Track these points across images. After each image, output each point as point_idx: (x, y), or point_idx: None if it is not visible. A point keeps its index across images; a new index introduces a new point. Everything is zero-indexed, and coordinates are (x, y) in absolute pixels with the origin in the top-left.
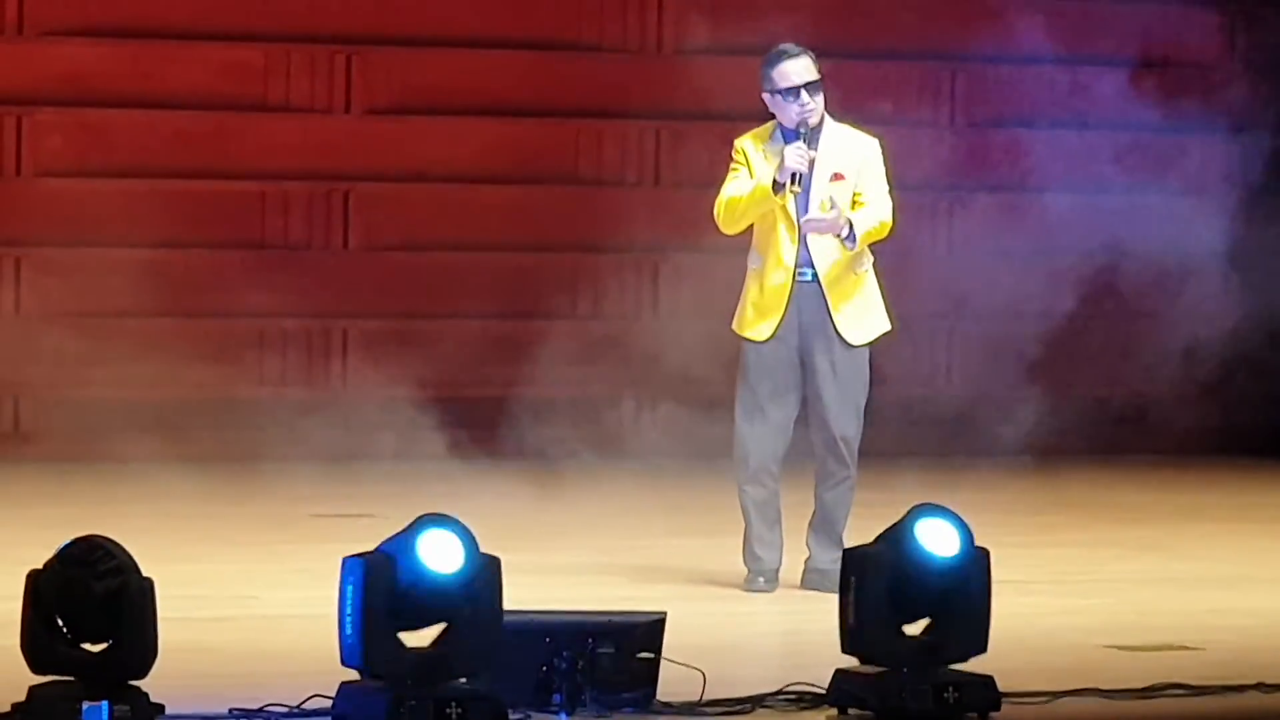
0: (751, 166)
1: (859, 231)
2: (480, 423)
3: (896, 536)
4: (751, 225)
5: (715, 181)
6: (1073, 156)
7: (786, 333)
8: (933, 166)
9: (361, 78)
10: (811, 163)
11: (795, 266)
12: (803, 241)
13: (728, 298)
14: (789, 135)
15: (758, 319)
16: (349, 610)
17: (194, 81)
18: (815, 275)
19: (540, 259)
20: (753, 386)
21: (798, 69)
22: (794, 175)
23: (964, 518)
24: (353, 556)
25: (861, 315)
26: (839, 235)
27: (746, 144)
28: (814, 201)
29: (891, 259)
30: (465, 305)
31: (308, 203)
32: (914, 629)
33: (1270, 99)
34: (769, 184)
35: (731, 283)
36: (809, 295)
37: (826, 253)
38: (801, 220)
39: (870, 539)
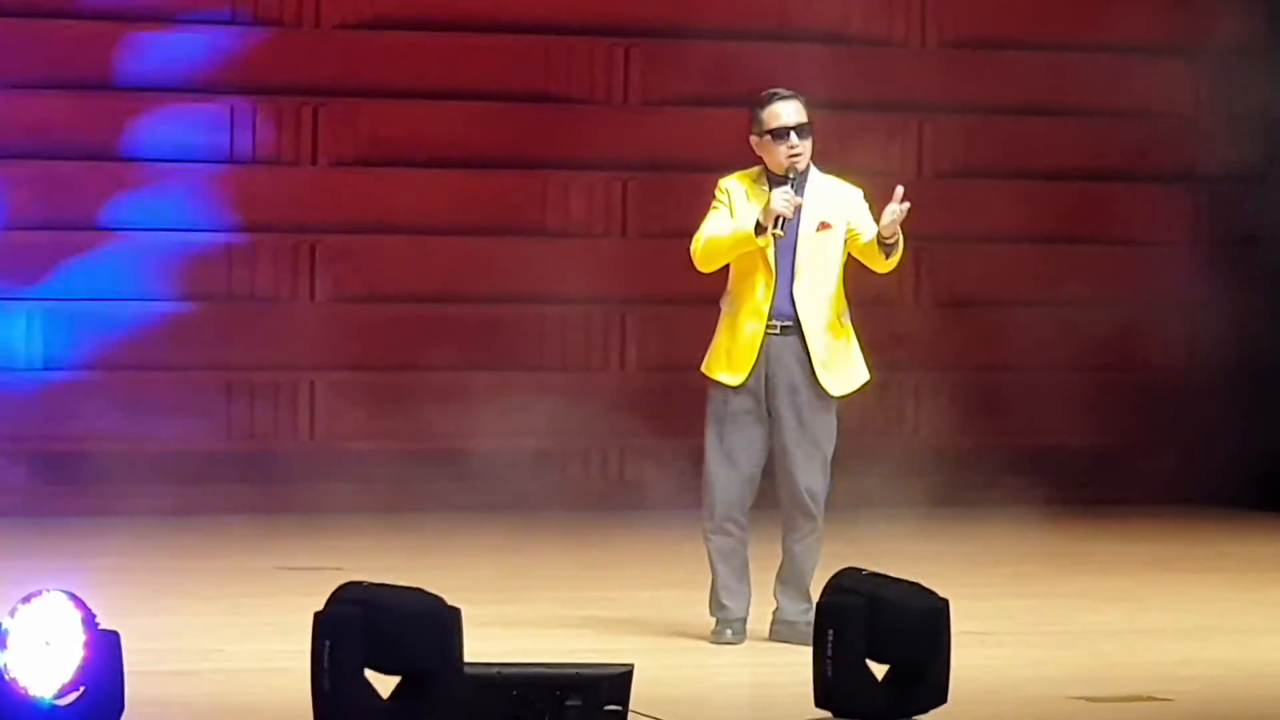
0: (733, 207)
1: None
2: (447, 474)
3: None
4: (729, 268)
5: (684, 232)
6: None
7: (755, 381)
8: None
9: (328, 129)
10: (797, 209)
11: (769, 316)
12: (779, 291)
13: (694, 349)
14: (775, 180)
15: (728, 364)
16: (326, 665)
17: (160, 134)
18: (789, 326)
19: (507, 310)
20: (721, 433)
21: (788, 110)
22: (777, 219)
23: (931, 568)
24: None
25: (842, 367)
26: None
27: (731, 184)
28: (800, 250)
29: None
30: (433, 357)
31: (274, 254)
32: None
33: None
34: (751, 226)
35: (698, 334)
36: (782, 346)
37: (815, 303)
38: (889, 219)
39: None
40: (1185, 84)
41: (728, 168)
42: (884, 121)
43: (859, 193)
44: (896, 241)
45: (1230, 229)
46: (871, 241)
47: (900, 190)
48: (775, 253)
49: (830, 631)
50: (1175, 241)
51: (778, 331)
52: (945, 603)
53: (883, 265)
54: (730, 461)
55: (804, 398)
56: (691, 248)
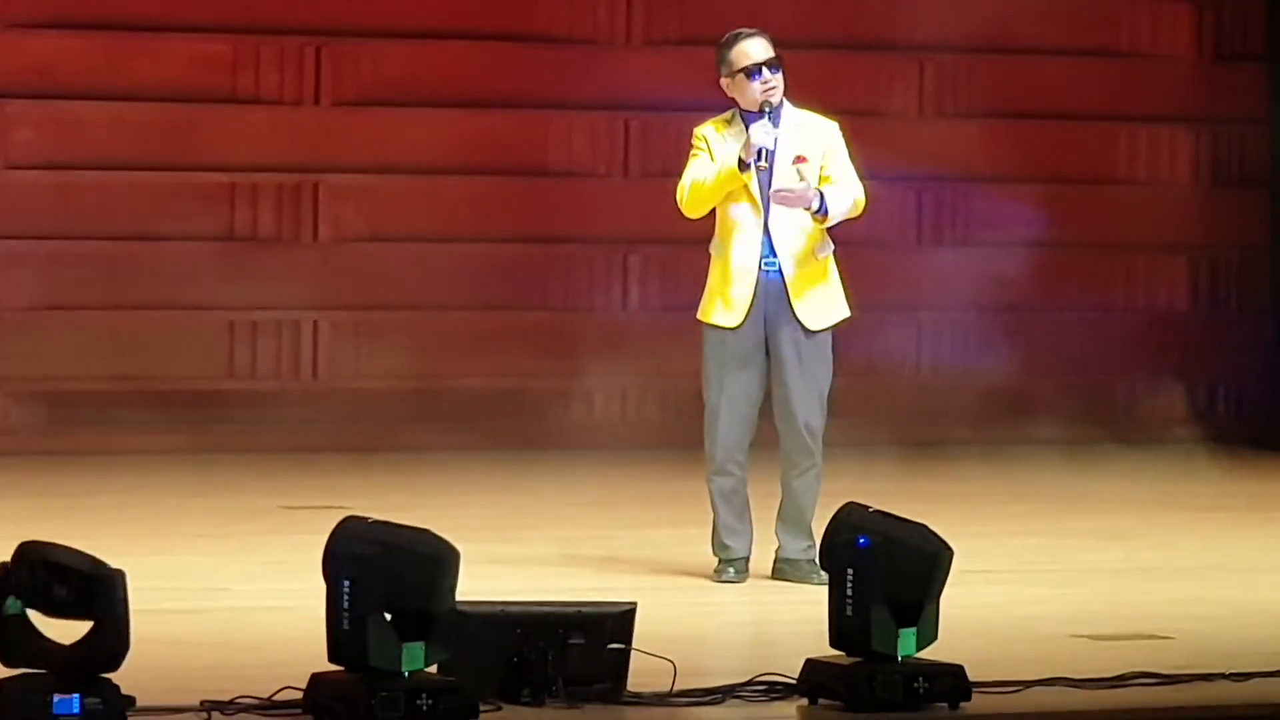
0: (713, 151)
1: (832, 206)
2: (450, 414)
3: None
4: (715, 213)
5: (682, 172)
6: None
7: (752, 321)
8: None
9: (331, 69)
10: (775, 142)
11: (761, 255)
12: (766, 231)
13: (696, 289)
14: (751, 118)
15: (724, 307)
16: (345, 605)
17: (163, 74)
18: (779, 266)
19: (510, 250)
20: (719, 375)
21: (756, 48)
22: (760, 151)
23: (933, 507)
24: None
25: (821, 302)
26: (809, 209)
27: (707, 130)
28: (779, 181)
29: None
30: (435, 297)
31: (277, 195)
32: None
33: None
34: (734, 161)
35: (700, 274)
36: (773, 285)
37: (789, 241)
38: (771, 191)
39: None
40: (1188, 25)
41: (727, 107)
42: (884, 61)
43: (834, 125)
44: (820, 206)
45: (1235, 171)
46: None
47: (800, 167)
48: (760, 189)
49: (849, 571)
50: (1179, 182)
51: (773, 270)
52: (948, 549)
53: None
54: (730, 403)
55: (798, 333)
56: (678, 196)
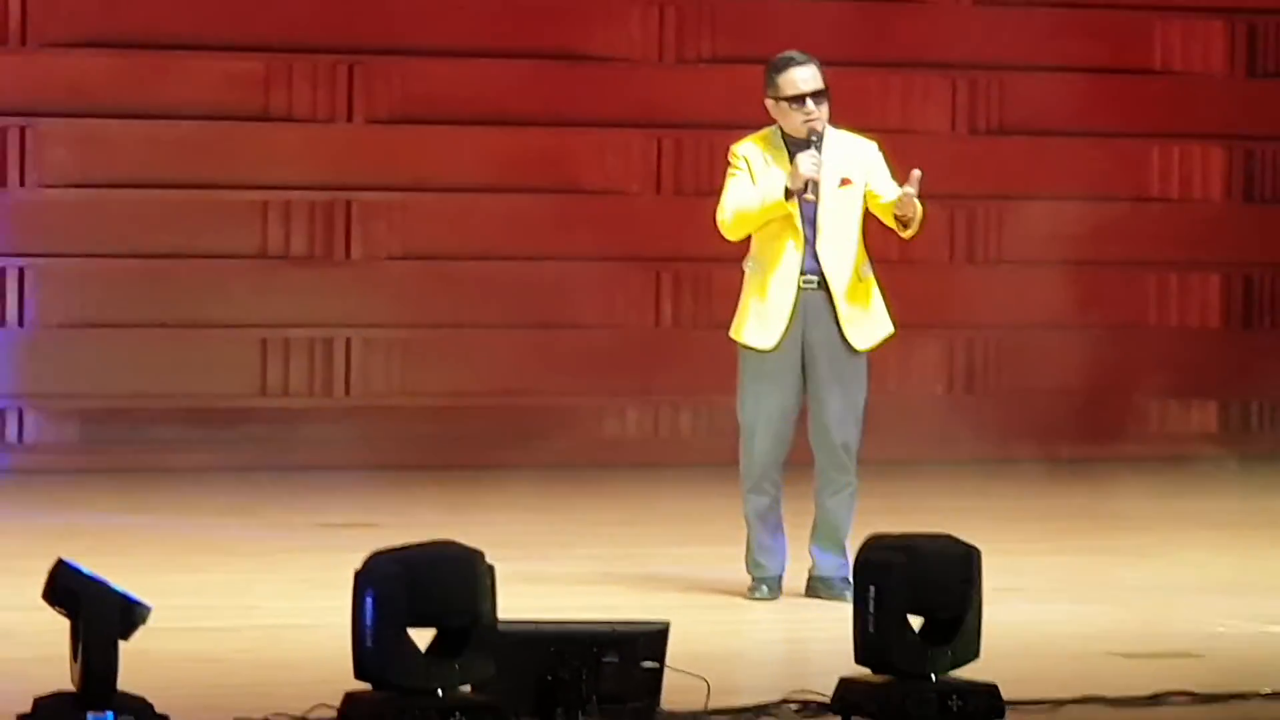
0: (753, 172)
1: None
2: (483, 431)
3: (911, 546)
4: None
5: (716, 190)
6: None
7: (790, 341)
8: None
9: (363, 87)
10: (820, 169)
11: (801, 274)
12: (809, 249)
13: (728, 306)
14: (792, 142)
15: (760, 326)
16: (369, 621)
17: (196, 92)
18: (820, 282)
19: (542, 268)
20: (754, 394)
21: (805, 77)
22: (807, 183)
23: (965, 524)
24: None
25: (867, 321)
26: (907, 216)
27: (747, 149)
28: (822, 207)
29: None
30: (468, 315)
31: (309, 212)
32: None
33: None
34: (780, 192)
35: (732, 291)
36: (814, 302)
37: (838, 260)
38: (901, 198)
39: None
40: (1221, 42)
41: (762, 126)
42: (918, 79)
43: (874, 146)
44: (914, 216)
45: (1268, 188)
46: (890, 206)
47: (916, 174)
48: (800, 211)
49: (871, 588)
50: (1211, 199)
51: (814, 286)
52: (975, 550)
53: (902, 234)
54: (766, 421)
55: (838, 352)
56: (718, 218)
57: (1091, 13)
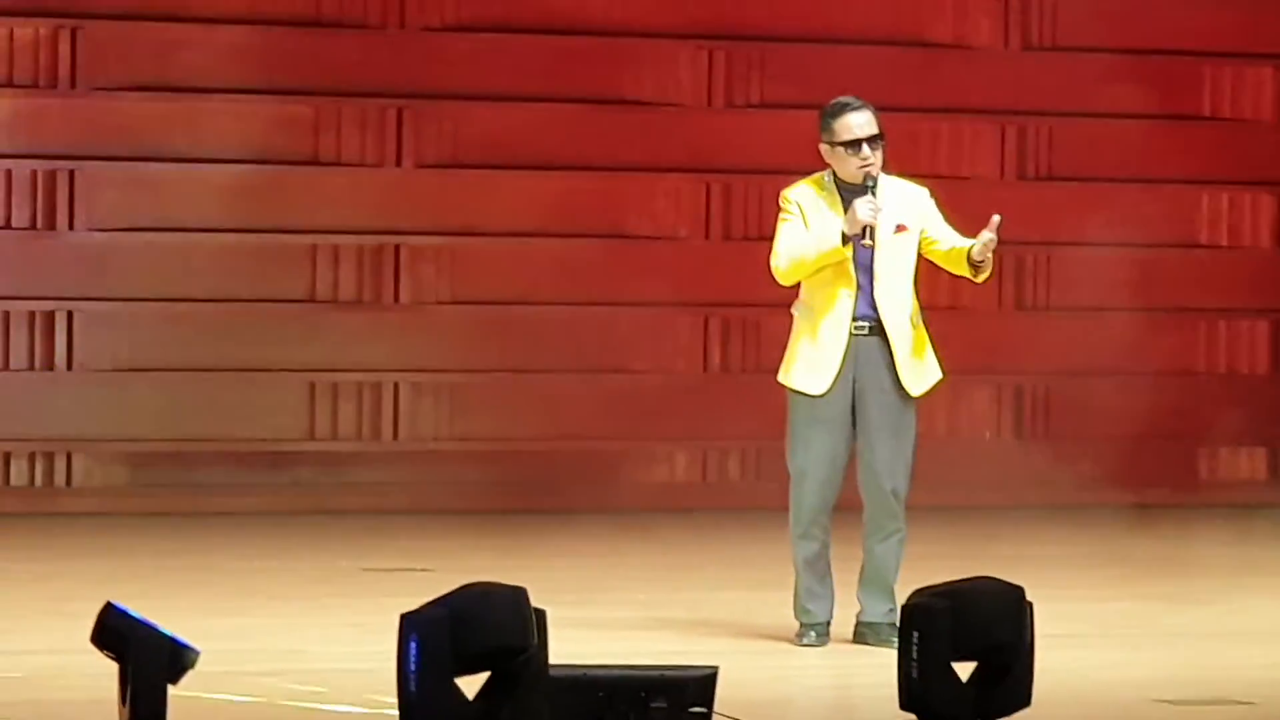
0: (806, 217)
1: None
2: (531, 476)
3: (955, 591)
4: None
5: (765, 235)
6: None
7: (841, 386)
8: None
9: (412, 131)
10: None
11: (853, 319)
12: (862, 294)
13: (777, 351)
14: (844, 187)
15: (811, 371)
16: (412, 668)
17: (245, 136)
18: (873, 328)
19: (591, 313)
20: (805, 440)
21: (861, 122)
22: (865, 229)
23: (1014, 571)
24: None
25: (921, 366)
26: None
27: (800, 195)
28: (879, 254)
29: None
30: (516, 359)
31: (358, 257)
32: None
33: None
34: (837, 238)
35: (781, 336)
36: (866, 348)
37: (894, 305)
38: (985, 243)
39: (921, 590)
40: (1271, 89)
41: (811, 171)
42: (968, 125)
43: (926, 192)
44: (986, 261)
45: None
46: (956, 253)
47: (996, 219)
48: (855, 257)
49: (915, 634)
50: (1260, 245)
51: (865, 332)
52: (1021, 590)
53: (976, 279)
54: (816, 468)
55: (890, 398)
56: (772, 264)
57: (1141, 59)
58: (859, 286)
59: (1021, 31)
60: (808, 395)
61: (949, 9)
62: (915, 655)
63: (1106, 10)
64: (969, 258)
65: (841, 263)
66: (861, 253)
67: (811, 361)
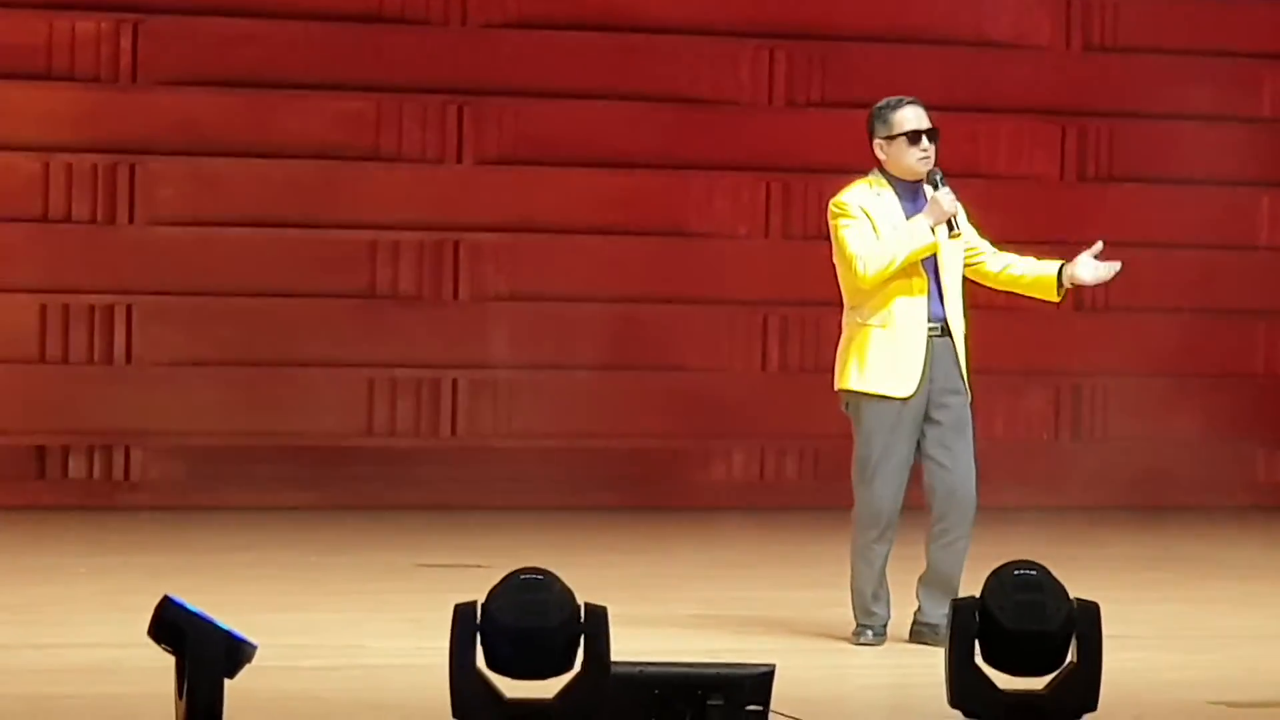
0: (873, 219)
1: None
2: (588, 473)
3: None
4: None
5: (825, 234)
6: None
7: (922, 388)
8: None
9: (473, 128)
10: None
11: (928, 320)
12: (933, 294)
13: (834, 352)
14: (898, 183)
15: (895, 375)
16: (464, 662)
17: (306, 131)
18: (943, 328)
19: (649, 310)
20: (885, 444)
21: (917, 115)
22: (950, 220)
23: (1070, 572)
24: (463, 605)
25: (967, 368)
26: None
27: (857, 197)
28: (943, 253)
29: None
30: (574, 356)
31: (418, 252)
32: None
33: None
34: (928, 232)
35: (838, 337)
36: (941, 349)
37: (957, 307)
38: (1093, 270)
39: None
40: None
41: (870, 171)
42: (1027, 125)
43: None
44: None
45: None
46: (1033, 278)
47: (1099, 245)
48: (932, 257)
49: (963, 633)
50: None
51: (938, 333)
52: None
53: (1054, 298)
54: (894, 471)
55: (960, 399)
56: (857, 270)
57: (1200, 60)
58: (931, 287)
59: (1083, 32)
60: (892, 399)
61: (1009, 9)
62: (963, 654)
63: (1167, 11)
64: (1071, 277)
65: (915, 264)
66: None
67: (893, 364)
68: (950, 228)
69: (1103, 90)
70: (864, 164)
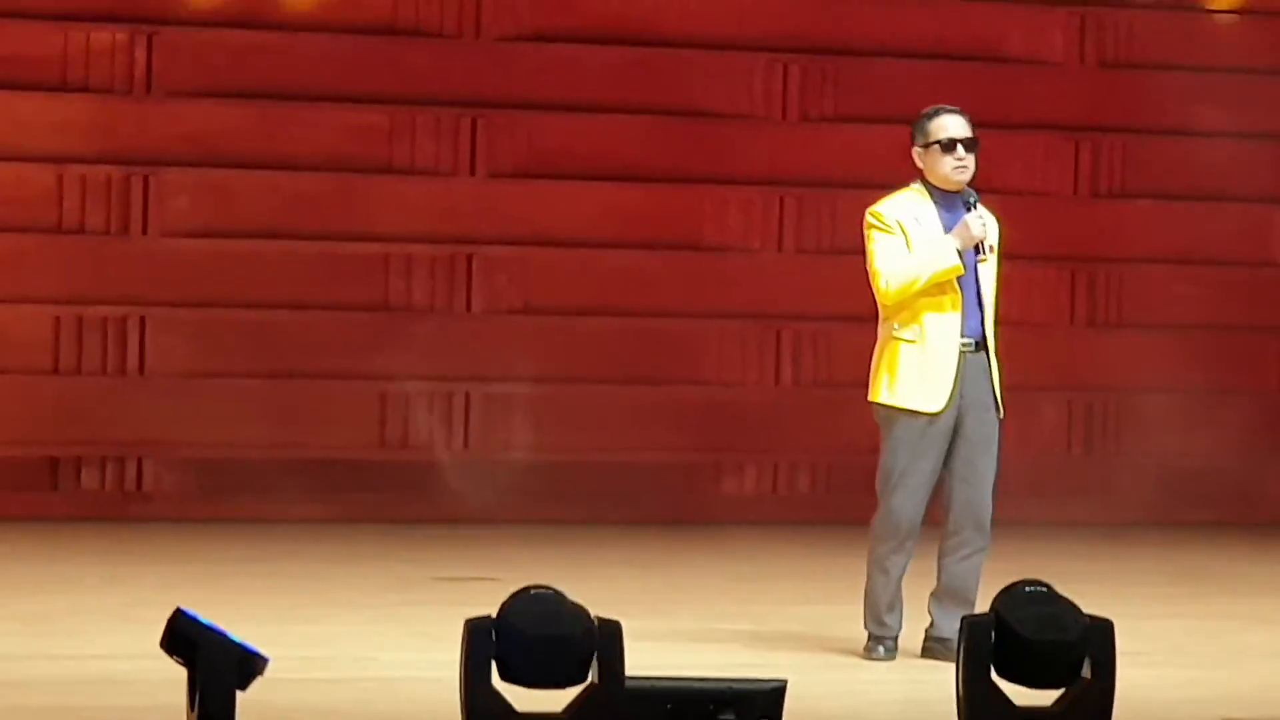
0: (907, 233)
1: None
2: (600, 487)
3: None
4: None
5: (840, 250)
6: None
7: (953, 403)
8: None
9: (486, 140)
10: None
11: (961, 335)
12: (967, 310)
13: (848, 365)
14: (937, 194)
15: (926, 389)
16: (476, 676)
17: (319, 143)
18: (977, 344)
19: (662, 324)
20: (912, 457)
21: (957, 123)
22: (979, 245)
23: (1083, 588)
24: (474, 620)
25: (999, 384)
26: None
27: (893, 209)
28: (979, 269)
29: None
30: (587, 370)
31: (431, 265)
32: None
33: None
34: (953, 256)
35: (853, 350)
36: (973, 365)
37: (989, 321)
38: None
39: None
40: None
41: (884, 185)
42: (1041, 140)
43: (996, 224)
44: None
45: None
46: None
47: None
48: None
49: (973, 650)
50: None
51: (972, 349)
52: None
53: None
54: (918, 485)
55: (990, 415)
56: (880, 286)
57: (1215, 76)
58: (965, 303)
59: (1097, 47)
60: (922, 413)
61: (1023, 24)
62: (973, 671)
63: (1181, 26)
64: None
65: (950, 280)
66: (966, 269)
67: (924, 379)
68: (978, 251)
69: (1116, 106)
70: (877, 178)
